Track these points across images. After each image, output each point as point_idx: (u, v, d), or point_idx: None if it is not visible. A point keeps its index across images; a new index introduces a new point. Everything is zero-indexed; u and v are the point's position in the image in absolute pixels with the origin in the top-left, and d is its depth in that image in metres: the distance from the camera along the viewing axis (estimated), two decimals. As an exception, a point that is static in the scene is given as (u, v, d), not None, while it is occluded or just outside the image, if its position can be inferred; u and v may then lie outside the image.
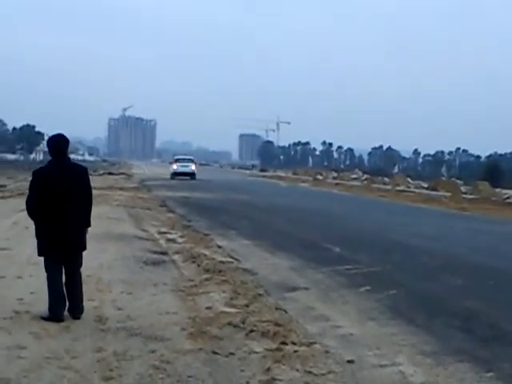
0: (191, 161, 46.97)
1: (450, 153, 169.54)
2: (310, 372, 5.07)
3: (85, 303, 6.35)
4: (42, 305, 6.24)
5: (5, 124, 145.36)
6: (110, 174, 48.38)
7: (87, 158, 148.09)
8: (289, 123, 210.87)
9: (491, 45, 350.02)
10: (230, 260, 10.21)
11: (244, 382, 4.83)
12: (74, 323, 6.05)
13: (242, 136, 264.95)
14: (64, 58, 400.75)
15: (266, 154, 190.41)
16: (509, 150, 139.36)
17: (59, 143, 6.25)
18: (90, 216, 6.41)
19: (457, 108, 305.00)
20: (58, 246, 6.11)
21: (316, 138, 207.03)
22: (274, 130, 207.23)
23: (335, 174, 64.75)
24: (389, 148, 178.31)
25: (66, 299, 6.19)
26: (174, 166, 45.40)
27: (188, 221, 16.05)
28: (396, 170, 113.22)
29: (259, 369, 5.07)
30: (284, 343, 5.71)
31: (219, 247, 11.58)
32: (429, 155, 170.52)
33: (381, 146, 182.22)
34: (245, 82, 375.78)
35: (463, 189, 38.70)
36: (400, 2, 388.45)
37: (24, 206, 6.38)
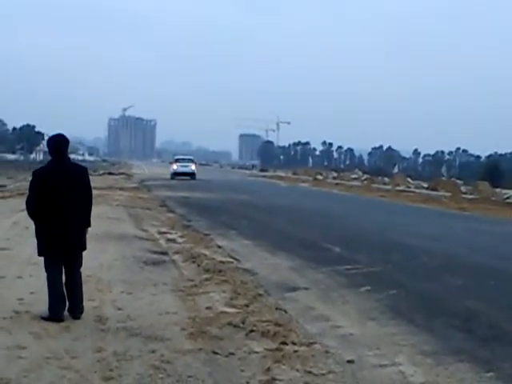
0: (191, 161, 46.95)
1: (450, 153, 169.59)
2: (310, 372, 5.07)
3: (85, 303, 6.36)
4: (42, 305, 6.24)
5: (5, 124, 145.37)
6: (110, 173, 48.38)
7: (87, 157, 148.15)
8: (289, 123, 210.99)
9: (491, 45, 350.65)
10: (230, 260, 10.21)
11: (244, 382, 4.83)
12: (74, 323, 6.05)
13: (241, 136, 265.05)
14: (64, 58, 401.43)
15: (266, 154, 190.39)
16: (509, 150, 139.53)
17: (59, 143, 6.25)
18: (90, 216, 6.41)
19: (457, 108, 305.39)
20: (58, 246, 6.11)
21: (316, 137, 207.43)
22: (274, 130, 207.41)
23: (335, 174, 64.75)
24: (389, 148, 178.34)
25: (66, 299, 6.19)
26: (174, 166, 45.38)
27: (188, 221, 16.05)
28: (396, 170, 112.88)
29: (259, 369, 5.07)
30: (284, 343, 5.71)
31: (219, 247, 11.58)
32: (429, 155, 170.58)
33: (381, 146, 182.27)
34: (245, 82, 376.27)
35: (463, 189, 38.70)
36: (400, 2, 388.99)
37: (24, 206, 6.38)
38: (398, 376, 5.17)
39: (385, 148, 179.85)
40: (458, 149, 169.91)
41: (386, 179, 51.91)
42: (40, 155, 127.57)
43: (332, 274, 9.46)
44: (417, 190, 39.84)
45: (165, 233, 13.20)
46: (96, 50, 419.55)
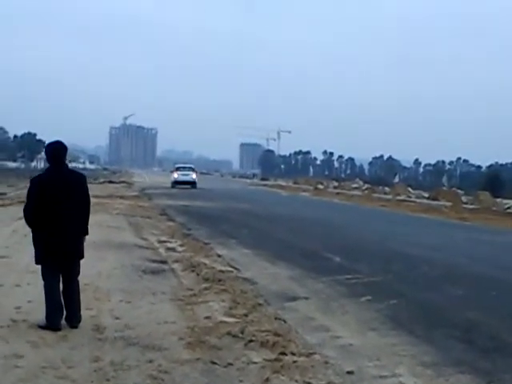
0: (192, 169, 46.97)
1: (451, 163, 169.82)
2: (309, 383, 5.02)
3: (82, 312, 6.31)
4: (40, 313, 6.20)
5: (6, 132, 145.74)
6: (111, 182, 48.45)
7: (88, 166, 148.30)
8: (290, 132, 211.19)
9: (492, 55, 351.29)
10: (230, 269, 10.17)
11: (242, 392, 4.79)
12: (72, 332, 6.00)
13: (242, 145, 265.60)
14: (65, 66, 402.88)
15: (267, 163, 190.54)
16: (509, 160, 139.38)
17: (57, 150, 6.22)
18: (87, 224, 6.37)
19: (457, 118, 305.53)
20: (55, 254, 6.07)
21: (317, 147, 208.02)
22: (274, 139, 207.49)
23: (336, 184, 64.79)
24: (389, 158, 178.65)
25: (63, 308, 6.14)
26: (175, 175, 45.41)
27: (188, 229, 16.01)
28: (397, 179, 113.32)
29: (258, 379, 5.02)
30: (283, 353, 5.66)
31: (219, 256, 11.54)
32: (429, 165, 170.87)
33: (381, 156, 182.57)
34: (245, 91, 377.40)
35: (464, 199, 38.68)
36: (400, 12, 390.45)
37: (22, 214, 6.34)
38: (398, 387, 5.12)
39: (385, 157, 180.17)
40: (459, 159, 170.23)
41: (387, 189, 51.87)
42: (41, 163, 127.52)
43: (332, 284, 9.41)
44: (417, 200, 39.82)
45: (165, 241, 13.16)
46: (97, 59, 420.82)
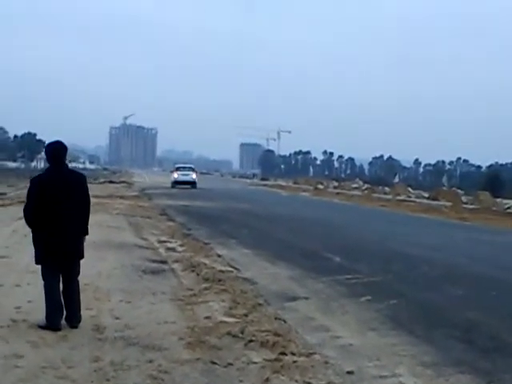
0: (192, 169, 46.96)
1: (451, 163, 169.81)
2: (309, 383, 5.02)
3: (82, 312, 6.31)
4: (40, 313, 6.20)
5: (6, 132, 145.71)
6: (111, 182, 48.45)
7: (88, 166, 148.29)
8: (289, 132, 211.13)
9: (492, 55, 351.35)
10: (230, 269, 10.17)
11: (242, 392, 4.78)
12: (72, 332, 6.00)
13: (242, 145, 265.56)
14: (65, 66, 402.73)
15: (267, 163, 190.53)
16: (509, 160, 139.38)
17: (57, 150, 6.21)
18: (87, 224, 6.36)
19: (457, 118, 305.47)
20: (55, 254, 6.07)
21: (317, 147, 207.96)
22: (274, 139, 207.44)
23: (336, 184, 64.78)
24: (389, 158, 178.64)
25: (63, 308, 6.14)
26: (175, 175, 45.41)
27: (188, 229, 16.01)
28: (397, 179, 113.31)
29: (258, 379, 5.02)
30: (283, 353, 5.66)
31: (219, 256, 11.54)
32: (429, 165, 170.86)
33: (381, 156, 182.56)
34: (245, 91, 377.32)
35: (464, 199, 38.68)
36: (400, 12, 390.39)
37: (22, 214, 6.34)
38: (398, 387, 5.12)
39: (385, 158, 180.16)
40: (459, 159, 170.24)
41: (387, 189, 51.86)
42: (41, 163, 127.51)
43: (332, 284, 9.41)
44: (417, 200, 39.81)
45: (165, 241, 13.16)
46: (97, 58, 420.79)
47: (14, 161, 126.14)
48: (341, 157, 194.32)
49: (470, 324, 7.33)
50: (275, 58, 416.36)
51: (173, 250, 12.06)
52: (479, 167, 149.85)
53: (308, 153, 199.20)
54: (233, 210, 24.62)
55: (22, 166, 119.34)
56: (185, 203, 26.54)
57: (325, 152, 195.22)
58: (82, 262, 6.40)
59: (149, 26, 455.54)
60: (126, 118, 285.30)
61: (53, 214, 6.00)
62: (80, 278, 6.41)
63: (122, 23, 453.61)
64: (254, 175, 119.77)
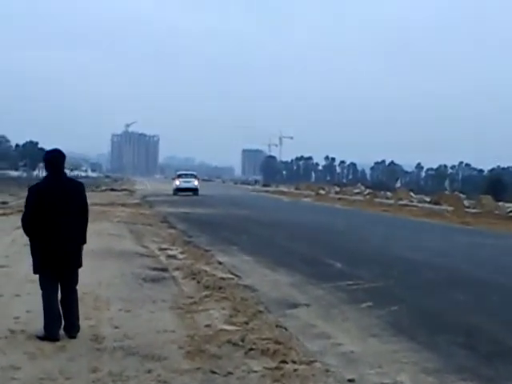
0: (194, 176, 46.96)
1: (453, 167, 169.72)
2: (309, 391, 4.97)
3: (81, 322, 6.26)
4: (38, 323, 6.15)
5: (8, 140, 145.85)
6: (113, 190, 48.50)
7: (90, 174, 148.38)
8: (291, 138, 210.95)
9: (494, 57, 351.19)
10: (231, 276, 10.13)
11: (242, 402, 4.73)
12: (70, 342, 5.95)
13: (244, 151, 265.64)
14: (67, 75, 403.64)
15: (269, 169, 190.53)
16: (511, 164, 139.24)
17: (55, 158, 6.18)
18: (85, 232, 6.33)
19: (459, 122, 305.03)
20: (53, 263, 6.03)
21: (319, 152, 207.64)
22: (276, 145, 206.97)
23: (338, 189, 64.81)
24: (391, 162, 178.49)
25: (61, 318, 6.09)
26: (177, 182, 45.45)
27: (189, 237, 15.98)
28: (399, 184, 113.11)
29: (258, 388, 4.97)
30: (284, 362, 5.61)
31: (220, 263, 11.50)
32: (431, 169, 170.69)
33: (383, 161, 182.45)
34: (247, 97, 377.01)
35: (466, 203, 38.61)
36: (400, 13, 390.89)
37: (20, 223, 6.30)
38: (400, 395, 5.07)
39: (387, 162, 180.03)
40: (461, 163, 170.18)
41: (389, 193, 51.85)
42: (43, 172, 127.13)
43: (333, 290, 9.36)
44: (419, 204, 39.75)
45: (165, 249, 13.13)
46: (99, 66, 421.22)
47: (16, 170, 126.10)
48: (343, 162, 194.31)
49: (473, 330, 7.27)
50: (274, 61, 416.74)
51: (173, 257, 12.02)
52: (481, 171, 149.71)
53: (310, 158, 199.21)
54: (234, 216, 24.59)
55: (24, 174, 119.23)
56: (186, 210, 26.52)
57: (327, 157, 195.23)
58: (81, 270, 6.36)
59: (150, 31, 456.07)
60: (128, 125, 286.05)
61: (51, 223, 5.96)
62: (79, 286, 6.37)
63: (124, 28, 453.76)
64: (256, 181, 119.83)
